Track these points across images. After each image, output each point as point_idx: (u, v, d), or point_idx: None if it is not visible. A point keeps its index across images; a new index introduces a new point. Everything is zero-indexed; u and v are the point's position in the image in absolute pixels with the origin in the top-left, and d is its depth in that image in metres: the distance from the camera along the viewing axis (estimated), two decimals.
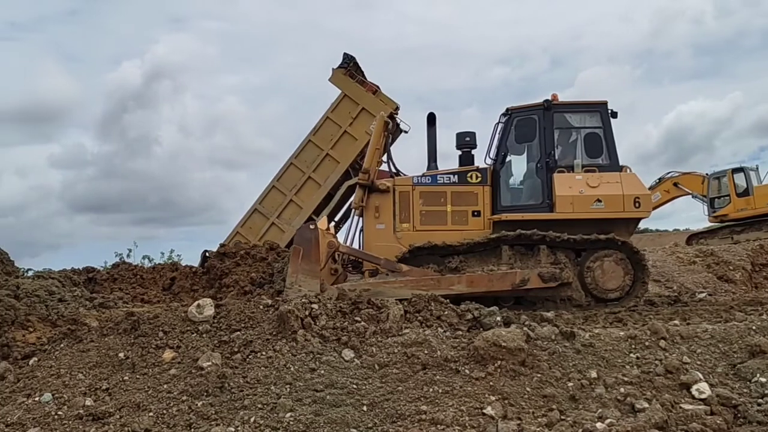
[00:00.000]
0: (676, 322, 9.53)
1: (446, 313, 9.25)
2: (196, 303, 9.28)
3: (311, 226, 10.38)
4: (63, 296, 10.91)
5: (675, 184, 17.92)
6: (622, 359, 8.18)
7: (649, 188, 18.21)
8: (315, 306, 8.90)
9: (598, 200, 11.12)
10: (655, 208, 18.66)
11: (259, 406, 7.28)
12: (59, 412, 7.43)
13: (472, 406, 7.25)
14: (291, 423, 7.00)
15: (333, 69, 17.59)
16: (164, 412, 7.32)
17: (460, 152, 12.65)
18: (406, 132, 18.88)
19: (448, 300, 9.56)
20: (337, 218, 18.02)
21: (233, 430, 6.95)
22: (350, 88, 17.09)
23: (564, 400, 7.43)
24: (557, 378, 7.79)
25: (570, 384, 7.69)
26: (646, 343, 8.47)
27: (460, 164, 12.42)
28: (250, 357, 8.18)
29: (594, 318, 10.55)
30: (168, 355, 8.35)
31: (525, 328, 8.59)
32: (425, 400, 7.37)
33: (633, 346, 8.43)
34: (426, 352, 8.13)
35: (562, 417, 7.08)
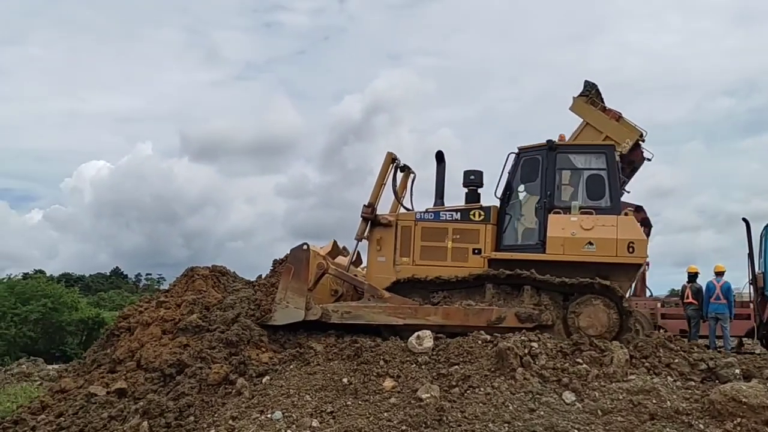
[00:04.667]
0: None
1: (676, 361, 8.66)
2: (416, 334, 9.47)
3: (304, 247, 10.77)
4: None
5: None
6: None
7: None
8: (534, 344, 8.73)
9: (590, 243, 10.56)
10: None
11: None
12: (288, 431, 7.87)
13: None
14: None
15: (573, 97, 17.30)
16: None
17: (466, 190, 12.43)
18: (649, 160, 18.06)
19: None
20: None
21: None
22: (592, 116, 16.62)
23: None
24: None
25: None
26: None
27: (466, 202, 12.14)
28: (468, 392, 8.16)
29: None
30: (389, 383, 8.56)
31: None
32: None
33: None
34: (654, 401, 7.64)
35: None
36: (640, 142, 17.18)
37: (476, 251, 11.29)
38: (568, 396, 7.91)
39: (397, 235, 11.67)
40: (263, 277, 12.02)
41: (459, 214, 11.64)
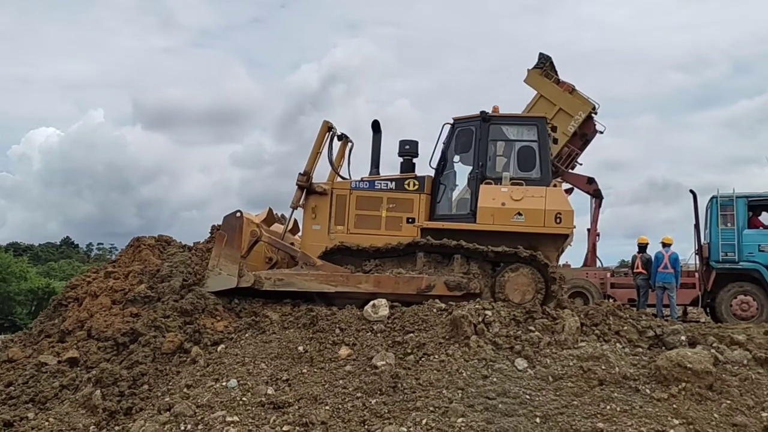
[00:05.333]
0: None
1: (625, 328, 8.88)
2: (371, 303, 9.52)
3: (237, 215, 10.94)
4: None
5: None
6: None
7: None
8: (488, 312, 8.84)
9: (519, 213, 10.76)
10: None
11: (431, 408, 7.32)
12: (243, 398, 7.89)
13: (653, 428, 6.90)
14: (462, 428, 6.99)
15: (528, 70, 17.22)
16: (340, 406, 7.56)
17: (401, 159, 12.63)
18: (601, 133, 18.23)
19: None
20: None
21: (405, 430, 7.04)
22: (546, 88, 16.64)
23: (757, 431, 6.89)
24: (749, 407, 7.25)
25: (764, 414, 7.13)
26: None
27: (401, 172, 12.29)
28: (422, 359, 8.26)
29: None
30: (344, 351, 8.62)
31: (713, 350, 8.07)
32: (602, 417, 7.10)
33: None
34: (603, 367, 7.83)
35: None
36: (593, 115, 17.41)
37: (410, 220, 11.41)
38: (521, 363, 8.06)
39: (332, 203, 11.77)
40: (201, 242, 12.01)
41: (394, 183, 11.76)
